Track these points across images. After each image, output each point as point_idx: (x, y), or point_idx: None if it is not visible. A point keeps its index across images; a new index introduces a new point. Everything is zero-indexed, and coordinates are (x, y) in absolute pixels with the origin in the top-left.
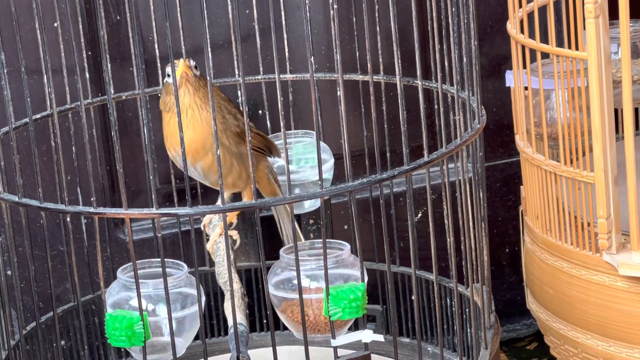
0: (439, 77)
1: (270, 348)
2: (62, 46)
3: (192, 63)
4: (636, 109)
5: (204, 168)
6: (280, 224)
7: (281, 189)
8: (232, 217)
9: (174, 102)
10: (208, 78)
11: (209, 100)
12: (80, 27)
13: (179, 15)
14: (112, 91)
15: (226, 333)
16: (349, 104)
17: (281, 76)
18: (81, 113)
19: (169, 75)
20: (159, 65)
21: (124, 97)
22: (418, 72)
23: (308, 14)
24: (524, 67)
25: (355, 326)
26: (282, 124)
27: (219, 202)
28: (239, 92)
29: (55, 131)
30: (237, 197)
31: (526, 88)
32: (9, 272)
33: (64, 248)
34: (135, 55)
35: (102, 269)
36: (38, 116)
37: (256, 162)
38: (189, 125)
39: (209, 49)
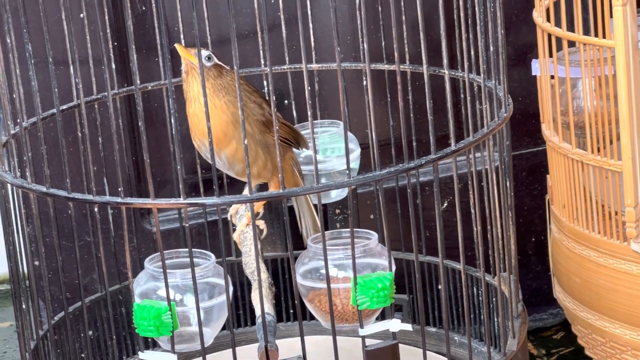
0: (465, 66)
1: (298, 338)
2: (88, 37)
3: (205, 53)
4: None
5: (229, 156)
6: (300, 215)
7: (304, 180)
8: (259, 207)
9: (185, 89)
10: (235, 67)
11: (221, 90)
12: (107, 17)
13: (204, 5)
14: (139, 81)
15: (253, 323)
16: (375, 94)
17: (308, 66)
18: (108, 103)
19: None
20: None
21: (149, 88)
22: (444, 61)
23: (334, 3)
24: (550, 55)
25: (383, 316)
26: (309, 114)
27: (245, 192)
28: (265, 82)
29: (83, 122)
30: (262, 187)
31: (552, 77)
32: (36, 263)
33: (91, 238)
34: (161, 45)
35: (129, 259)
36: (65, 107)
37: (282, 152)
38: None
39: (235, 39)
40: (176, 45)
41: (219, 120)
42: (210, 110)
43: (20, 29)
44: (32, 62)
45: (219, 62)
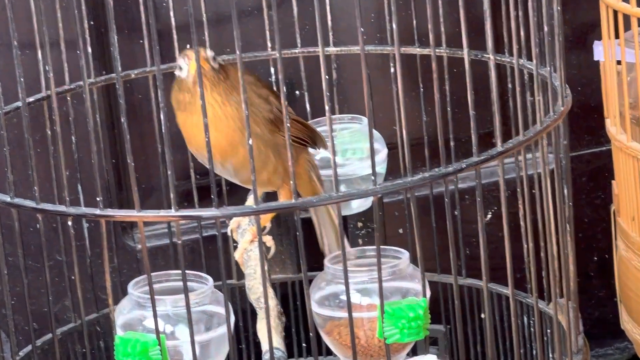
0: (514, 49)
1: None
2: (59, 15)
3: (210, 54)
4: None
5: (236, 165)
6: (321, 230)
7: (324, 187)
8: (266, 220)
9: (189, 101)
10: (237, 52)
11: (232, 93)
12: None
13: None
14: (120, 69)
15: (259, 359)
16: (405, 83)
17: (324, 49)
18: (84, 95)
19: (180, 68)
20: (175, 37)
21: (133, 76)
22: (489, 44)
23: None
24: (617, 36)
25: (415, 351)
26: (326, 108)
27: (249, 202)
28: (272, 70)
29: (53, 117)
30: (269, 196)
31: (619, 62)
32: None
33: (63, 258)
34: (147, 24)
35: (109, 283)
36: (32, 99)
37: (295, 154)
38: (211, 125)
39: (236, 17)
40: (187, 52)
41: (226, 129)
42: (219, 120)
43: None
44: None
45: (221, 62)
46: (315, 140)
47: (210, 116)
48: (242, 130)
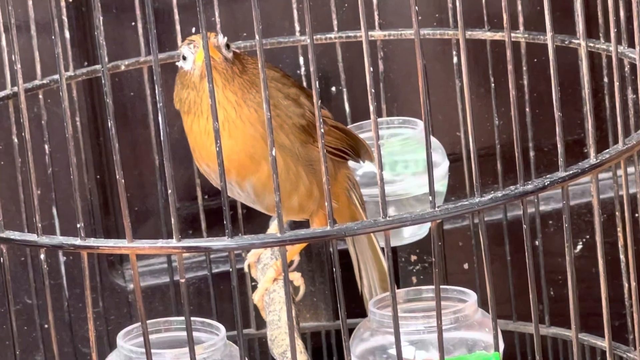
0: (611, 33)
1: None
2: None
3: (222, 40)
4: None
5: (257, 187)
6: (361, 266)
7: (366, 210)
8: (294, 253)
9: (194, 100)
10: (257, 37)
11: (250, 90)
12: None
13: None
14: (107, 59)
15: None
16: (471, 77)
17: (368, 34)
18: (61, 92)
19: (184, 58)
20: (176, 18)
21: (123, 68)
22: (579, 27)
23: None
24: None
25: None
26: (371, 108)
27: (272, 229)
28: (301, 60)
29: (22, 120)
30: (297, 222)
31: None
32: None
33: (33, 301)
34: (142, 2)
35: (93, 333)
36: None
37: (332, 170)
38: (224, 131)
39: None
40: (193, 38)
41: (244, 137)
42: (233, 125)
43: None
44: None
45: (236, 50)
46: (358, 151)
47: (222, 120)
48: (266, 139)
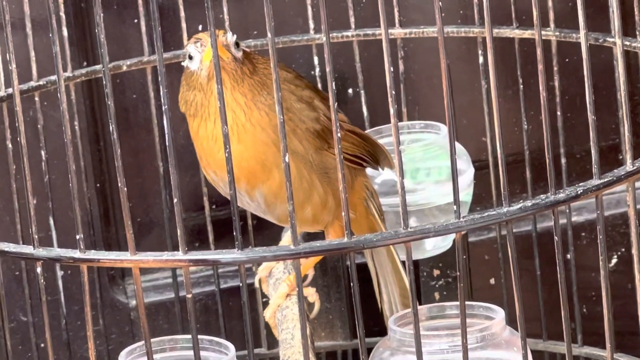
0: None
1: None
2: None
3: (231, 38)
4: None
5: (268, 196)
6: (379, 280)
7: (385, 221)
8: (308, 267)
9: (201, 103)
10: (269, 35)
11: (261, 92)
12: None
13: None
14: (108, 59)
15: None
16: (498, 78)
17: (388, 31)
18: (59, 94)
19: (190, 58)
20: (182, 14)
21: (125, 68)
22: (614, 24)
23: None
24: None
25: None
26: (391, 112)
27: (285, 241)
28: (315, 59)
29: (17, 125)
30: (312, 233)
31: None
32: None
33: (29, 318)
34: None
35: (93, 352)
36: None
37: (349, 178)
38: (233, 136)
39: None
40: (200, 36)
41: (254, 142)
42: (244, 130)
43: None
44: None
45: (246, 49)
46: (377, 157)
47: (230, 124)
48: (277, 144)
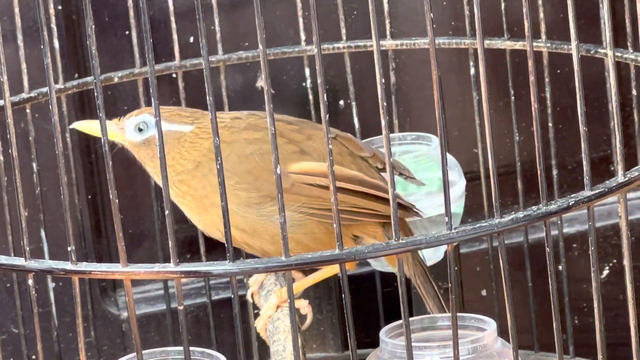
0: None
1: None
2: None
3: (132, 121)
4: None
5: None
6: (420, 288)
7: None
8: (302, 287)
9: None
10: (260, 47)
11: (204, 157)
12: None
13: None
14: (99, 70)
15: None
16: (490, 89)
17: (379, 43)
18: (50, 106)
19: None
20: (173, 26)
21: (116, 80)
22: (605, 36)
23: None
24: None
25: None
26: (382, 123)
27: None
28: (307, 71)
29: (8, 137)
30: None
31: None
32: None
33: (20, 330)
34: (136, 10)
35: None
36: None
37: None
38: (196, 207)
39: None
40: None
41: (206, 211)
42: (198, 211)
43: None
44: None
45: (167, 127)
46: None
47: (182, 194)
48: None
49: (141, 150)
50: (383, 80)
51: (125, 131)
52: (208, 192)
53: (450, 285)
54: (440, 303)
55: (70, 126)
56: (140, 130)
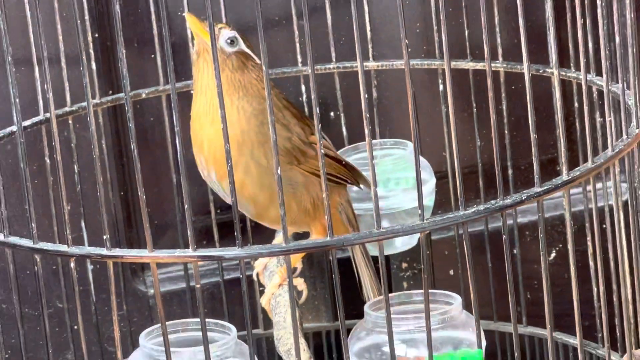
0: (581, 63)
1: None
2: (59, 27)
3: (228, 33)
4: None
5: (228, 190)
6: (359, 274)
7: (359, 225)
8: (297, 260)
9: (197, 79)
10: (263, 67)
11: (238, 91)
12: (85, 0)
13: None
14: (129, 88)
15: None
16: (456, 102)
17: (363, 64)
18: (88, 118)
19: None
20: (191, 50)
21: (144, 96)
22: (552, 57)
23: None
24: None
25: None
26: (366, 131)
27: (277, 240)
28: (302, 87)
29: (53, 144)
30: (299, 234)
31: None
32: None
33: (64, 305)
34: (160, 37)
35: (118, 333)
36: (28, 123)
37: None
38: (207, 116)
39: (262, 28)
40: (187, 15)
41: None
42: (217, 114)
43: None
44: None
45: (247, 50)
46: (356, 179)
47: (205, 104)
48: (240, 145)
49: (227, 60)
50: (366, 96)
51: (218, 38)
52: (249, 135)
53: (422, 266)
54: (375, 282)
55: (184, 14)
56: (231, 42)
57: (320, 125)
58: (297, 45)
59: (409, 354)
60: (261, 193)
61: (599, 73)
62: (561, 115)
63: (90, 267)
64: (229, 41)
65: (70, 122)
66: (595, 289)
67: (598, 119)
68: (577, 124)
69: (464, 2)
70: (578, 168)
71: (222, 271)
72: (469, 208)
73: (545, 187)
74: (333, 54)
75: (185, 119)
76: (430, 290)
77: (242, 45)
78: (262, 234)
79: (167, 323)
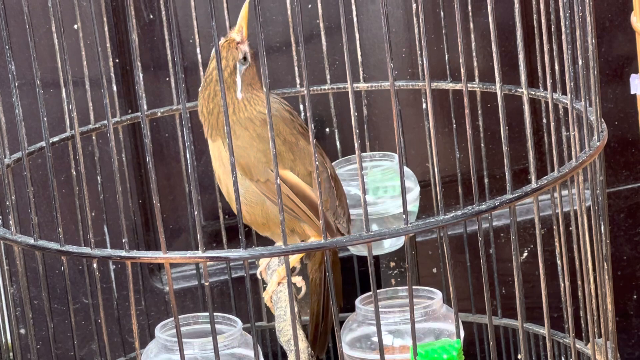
0: (548, 84)
1: None
2: (84, 53)
3: (242, 48)
4: None
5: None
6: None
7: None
8: (295, 260)
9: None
10: (264, 89)
11: (240, 110)
12: (106, 29)
13: (225, 11)
14: (146, 107)
15: None
16: (437, 119)
17: (354, 85)
18: (109, 134)
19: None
20: (201, 74)
21: (159, 114)
22: (522, 78)
23: (386, 8)
24: None
25: None
26: (356, 145)
27: (278, 242)
28: (301, 106)
29: (78, 157)
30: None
31: None
32: (22, 331)
33: (89, 300)
34: (173, 62)
35: (136, 326)
36: (56, 139)
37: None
38: (220, 129)
39: (264, 54)
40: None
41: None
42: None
43: (1, 44)
44: (16, 84)
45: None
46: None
47: (213, 103)
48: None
49: (243, 72)
50: (356, 113)
51: (239, 50)
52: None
53: (407, 265)
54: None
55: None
56: (244, 59)
57: (315, 140)
58: (296, 68)
59: (395, 343)
60: (252, 205)
61: (564, 92)
62: (531, 130)
63: (112, 267)
64: (242, 60)
65: (93, 137)
66: (562, 285)
67: (564, 133)
68: (545, 138)
69: (444, 30)
70: (546, 177)
71: (230, 270)
72: (448, 213)
73: (517, 194)
74: (328, 76)
75: (196, 134)
76: (414, 287)
77: (249, 59)
78: (265, 237)
79: (180, 317)
